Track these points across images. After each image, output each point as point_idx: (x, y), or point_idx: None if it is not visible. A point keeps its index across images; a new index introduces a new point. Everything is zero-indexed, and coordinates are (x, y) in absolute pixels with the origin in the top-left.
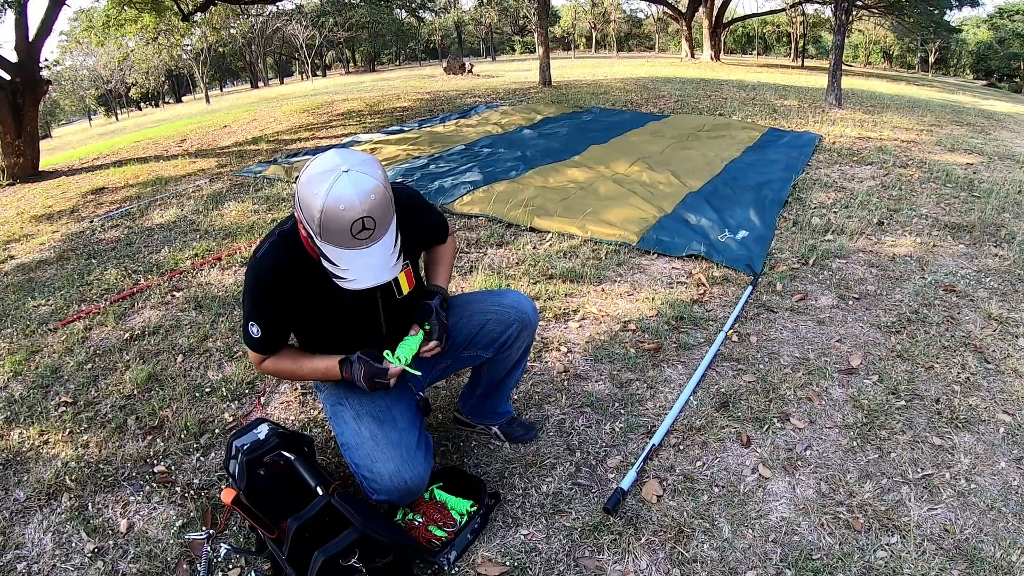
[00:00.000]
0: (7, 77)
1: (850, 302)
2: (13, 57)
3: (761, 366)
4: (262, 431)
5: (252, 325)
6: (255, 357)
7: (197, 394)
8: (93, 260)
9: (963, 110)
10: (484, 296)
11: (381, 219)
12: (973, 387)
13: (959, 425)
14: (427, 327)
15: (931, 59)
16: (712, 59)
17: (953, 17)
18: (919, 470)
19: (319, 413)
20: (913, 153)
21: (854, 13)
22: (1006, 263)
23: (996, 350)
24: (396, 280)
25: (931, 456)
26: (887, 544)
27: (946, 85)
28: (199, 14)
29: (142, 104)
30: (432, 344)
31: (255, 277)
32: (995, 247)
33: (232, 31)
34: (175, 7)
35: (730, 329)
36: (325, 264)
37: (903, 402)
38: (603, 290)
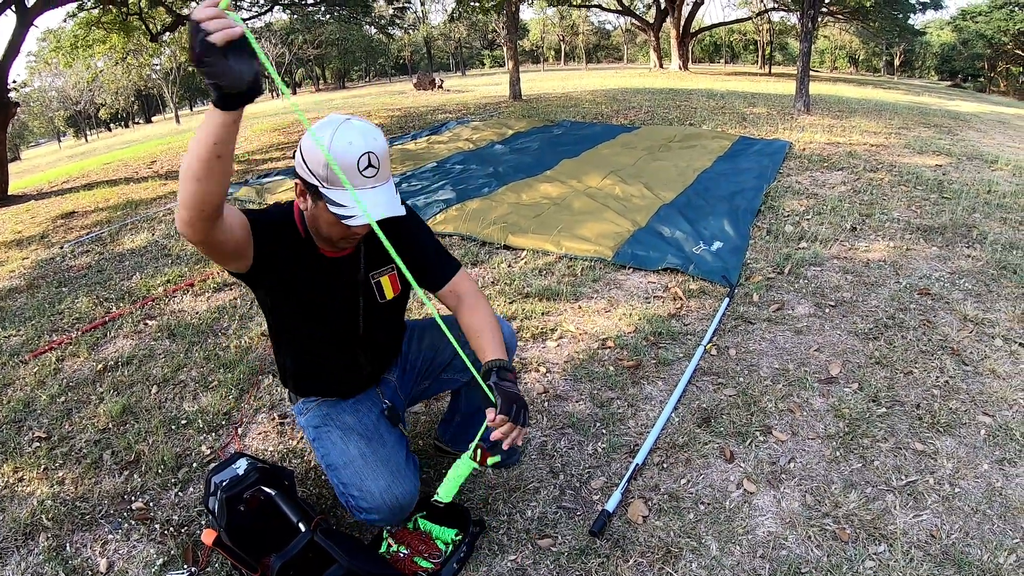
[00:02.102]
0: None
1: (827, 310)
2: None
3: (741, 379)
4: (241, 466)
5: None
6: None
7: (173, 427)
8: (64, 288)
9: (930, 112)
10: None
11: (384, 161)
12: (952, 390)
13: (940, 429)
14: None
15: (896, 62)
16: (680, 68)
17: (917, 20)
18: (903, 477)
19: (297, 443)
20: (882, 157)
21: (820, 20)
22: (979, 263)
23: (973, 352)
24: (379, 284)
25: (914, 462)
26: (875, 553)
27: (912, 87)
28: (167, 33)
29: (112, 125)
30: (498, 419)
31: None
32: (967, 248)
33: None
34: (143, 27)
35: (708, 343)
36: (333, 210)
37: (884, 409)
38: (580, 307)
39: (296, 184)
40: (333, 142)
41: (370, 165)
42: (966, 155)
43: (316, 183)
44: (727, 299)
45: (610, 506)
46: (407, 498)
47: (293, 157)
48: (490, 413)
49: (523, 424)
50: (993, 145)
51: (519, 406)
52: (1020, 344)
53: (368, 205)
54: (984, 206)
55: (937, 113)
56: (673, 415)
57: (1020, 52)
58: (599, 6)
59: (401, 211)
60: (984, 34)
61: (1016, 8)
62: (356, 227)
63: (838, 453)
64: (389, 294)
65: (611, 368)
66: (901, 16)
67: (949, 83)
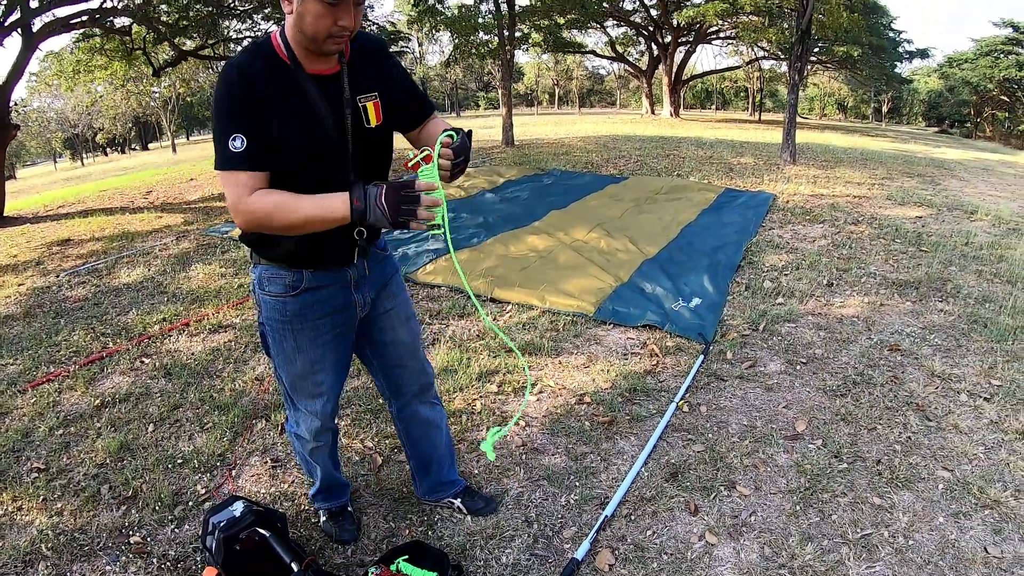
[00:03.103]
0: None
1: (797, 367)
2: None
3: (710, 435)
4: (238, 508)
5: (234, 138)
6: (239, 190)
7: (169, 465)
8: (60, 319)
9: (914, 160)
10: (414, 345)
11: None
12: (914, 446)
13: (899, 484)
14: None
15: (884, 109)
16: (672, 115)
17: (904, 68)
18: (858, 530)
19: (289, 487)
20: (864, 209)
21: (809, 68)
22: (951, 318)
23: (938, 407)
24: (364, 108)
25: (871, 516)
26: None
27: (899, 134)
28: (169, 68)
29: (108, 150)
30: (449, 152)
31: (228, 77)
32: (940, 302)
33: (200, 82)
34: (147, 60)
35: (681, 400)
36: None
37: (845, 465)
38: (560, 362)
39: None
40: None
41: None
42: (947, 206)
43: None
44: (702, 356)
45: (579, 554)
46: (319, 426)
47: None
48: (447, 139)
49: (461, 168)
50: (975, 194)
51: (466, 159)
52: (984, 399)
53: None
54: (961, 259)
55: (921, 162)
56: (643, 470)
57: (1005, 98)
58: (593, 52)
59: None
60: (970, 81)
61: (1001, 55)
62: (342, 6)
63: (798, 507)
64: (373, 121)
65: (587, 423)
66: (888, 65)
67: (936, 129)
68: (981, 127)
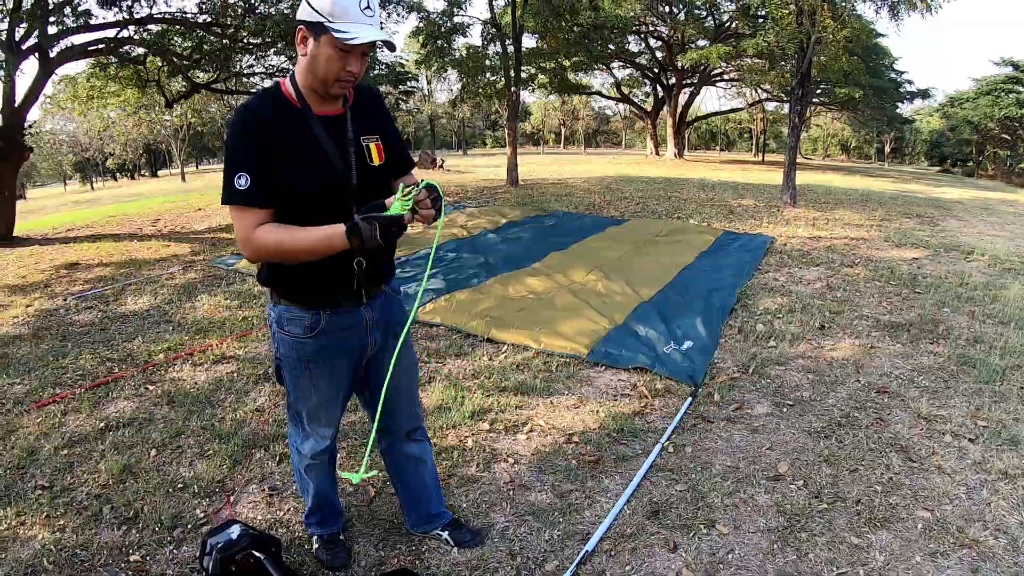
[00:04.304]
0: None
1: (784, 409)
2: None
3: (693, 475)
4: (234, 531)
5: (239, 176)
6: (246, 225)
7: (170, 489)
8: (68, 343)
9: (914, 201)
10: (411, 391)
11: (378, 12)
12: (895, 486)
13: (877, 524)
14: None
15: (887, 149)
16: (676, 156)
17: (906, 109)
18: (834, 568)
19: (284, 514)
20: (861, 251)
21: (811, 109)
22: (940, 360)
23: (922, 448)
24: (368, 147)
25: (847, 555)
26: None
27: (901, 174)
28: (183, 100)
29: (118, 175)
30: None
31: (241, 120)
32: (931, 344)
33: (212, 112)
34: (159, 90)
35: (667, 440)
36: (337, 36)
37: (825, 505)
38: (551, 403)
39: (299, 32)
40: None
41: (368, 7)
42: (944, 246)
43: (321, 19)
44: (690, 399)
45: None
46: (324, 447)
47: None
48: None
49: (438, 209)
50: (973, 234)
51: (439, 200)
52: (969, 440)
53: (363, 31)
54: (954, 300)
55: (921, 202)
56: (625, 507)
57: (1007, 136)
58: (599, 93)
59: (386, 36)
60: (971, 120)
61: (1001, 94)
62: (353, 53)
63: (775, 546)
64: (376, 160)
65: (574, 462)
66: (890, 106)
67: (939, 168)
68: (983, 165)
